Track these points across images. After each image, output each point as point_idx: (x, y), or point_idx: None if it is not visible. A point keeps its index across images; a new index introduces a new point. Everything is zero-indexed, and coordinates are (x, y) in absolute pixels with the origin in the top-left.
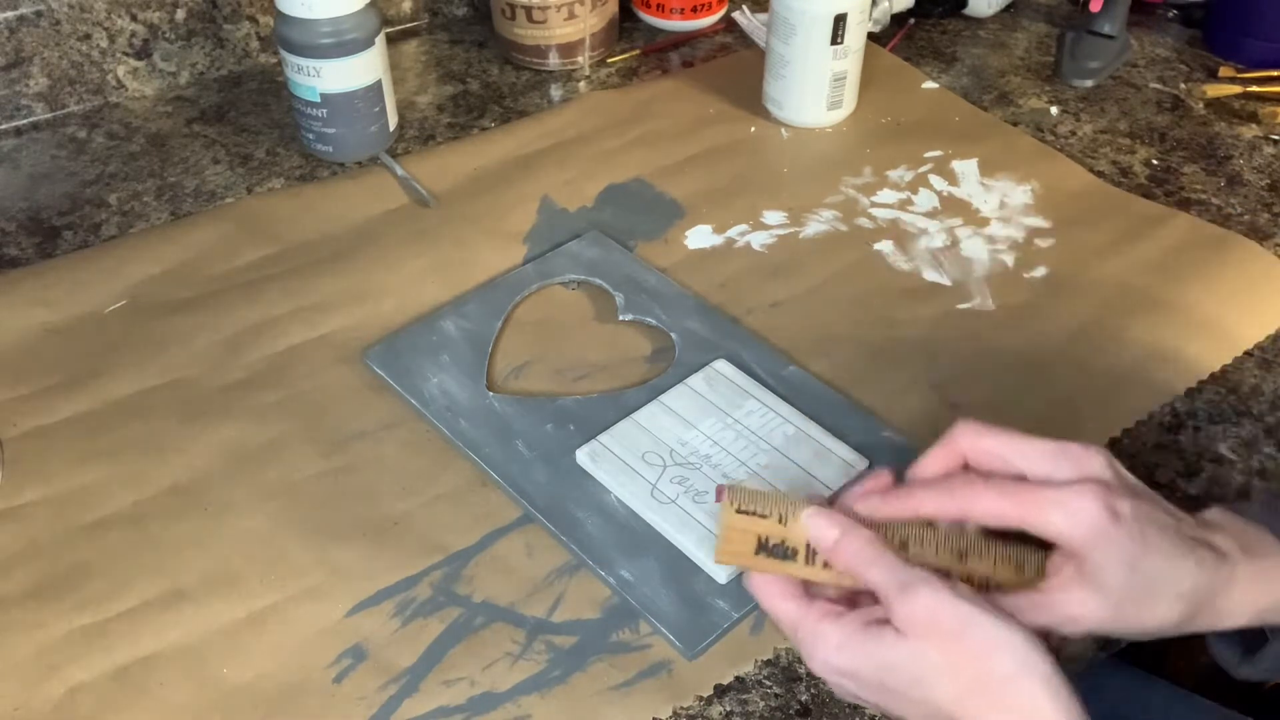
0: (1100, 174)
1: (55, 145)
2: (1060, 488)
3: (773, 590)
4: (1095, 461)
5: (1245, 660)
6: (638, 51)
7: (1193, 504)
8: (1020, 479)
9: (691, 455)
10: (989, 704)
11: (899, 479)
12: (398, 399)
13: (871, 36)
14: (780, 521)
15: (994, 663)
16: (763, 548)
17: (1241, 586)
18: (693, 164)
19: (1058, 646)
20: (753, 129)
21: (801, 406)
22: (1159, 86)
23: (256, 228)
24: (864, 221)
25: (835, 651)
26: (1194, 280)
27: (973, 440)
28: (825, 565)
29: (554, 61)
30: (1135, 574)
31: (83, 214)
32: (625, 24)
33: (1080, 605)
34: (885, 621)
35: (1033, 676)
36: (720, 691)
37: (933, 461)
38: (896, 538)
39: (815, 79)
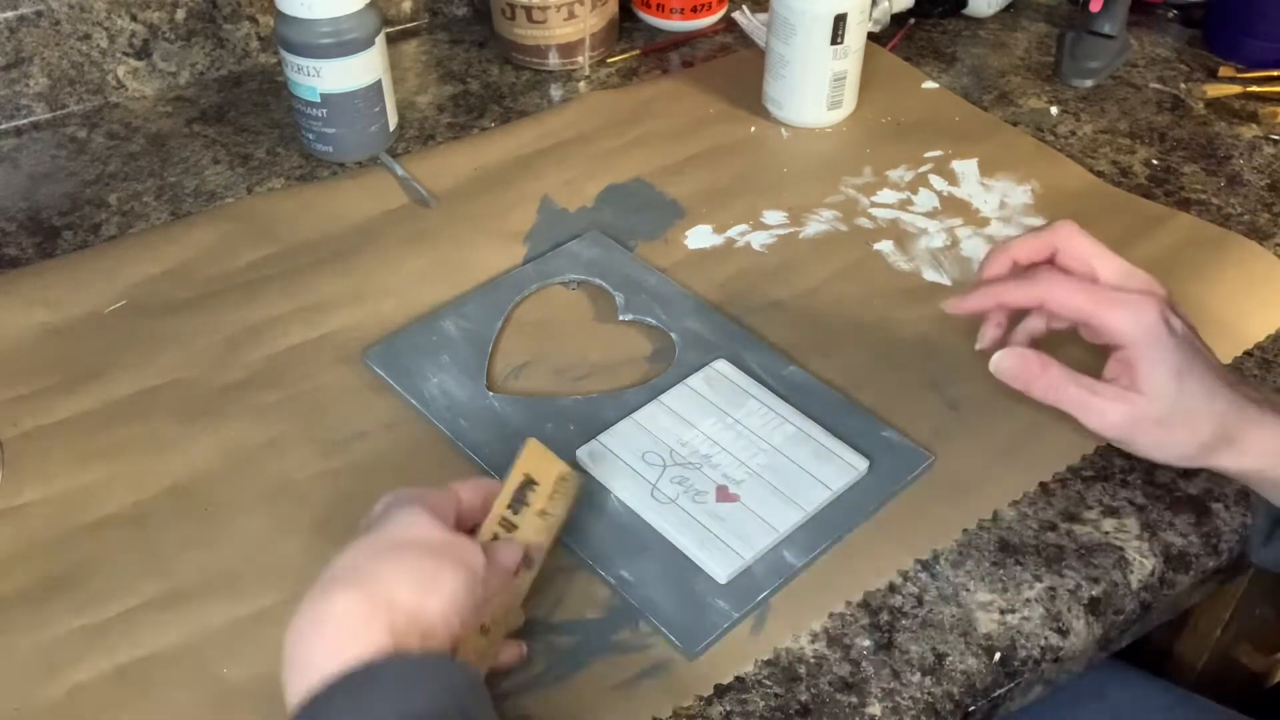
0: (1100, 174)
1: (55, 145)
2: (1128, 293)
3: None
4: (1160, 288)
5: (1266, 543)
6: (638, 51)
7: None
8: (1094, 281)
9: (691, 455)
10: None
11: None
12: (398, 399)
13: (871, 36)
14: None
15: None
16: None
17: (1268, 431)
18: (693, 164)
19: None
20: (753, 129)
21: (801, 406)
22: (1159, 86)
23: (256, 228)
24: (864, 221)
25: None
26: (1194, 280)
27: (1068, 239)
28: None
29: (554, 61)
30: (1180, 382)
31: (83, 214)
32: (625, 24)
33: (1133, 404)
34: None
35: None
36: (720, 691)
37: (1026, 245)
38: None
39: (815, 79)
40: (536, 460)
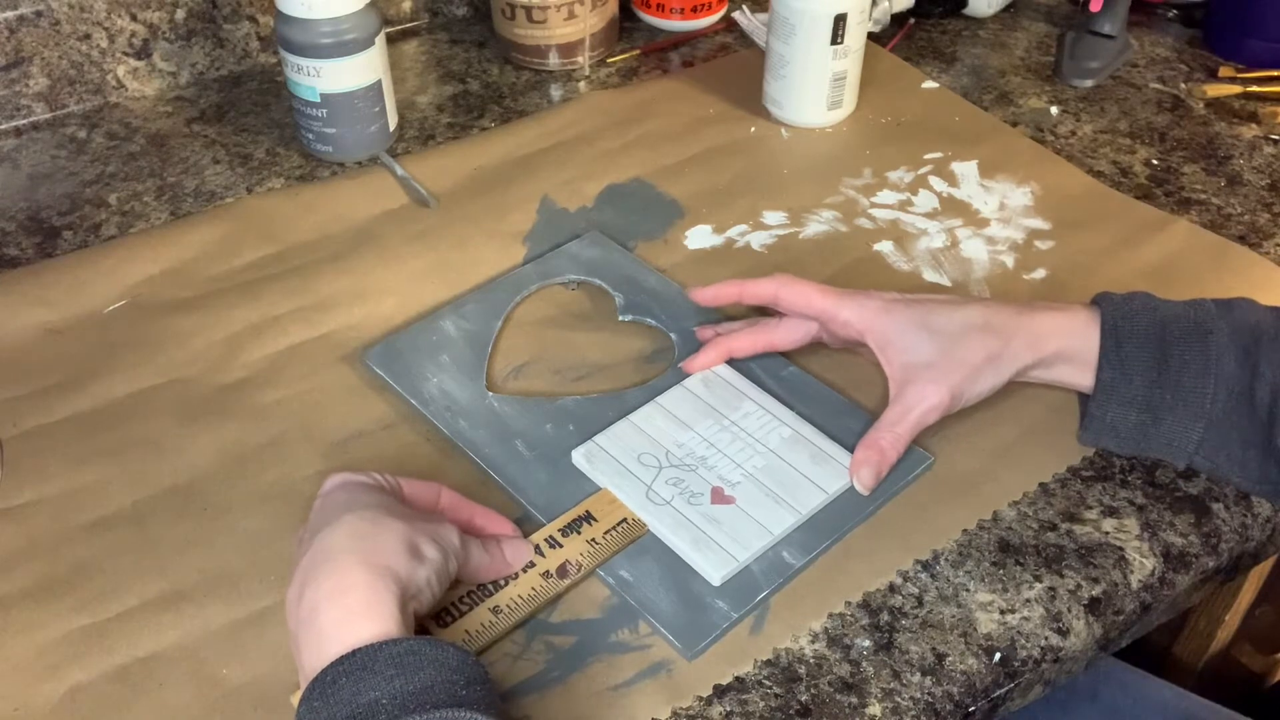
0: (1100, 174)
1: (55, 145)
2: (853, 292)
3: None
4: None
5: (1083, 425)
6: (638, 51)
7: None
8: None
9: (687, 457)
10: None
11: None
12: (398, 399)
13: (871, 36)
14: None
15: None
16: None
17: (1041, 316)
18: (693, 164)
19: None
20: (753, 129)
21: (800, 406)
22: (1159, 86)
23: (256, 228)
24: (864, 222)
25: None
26: (1193, 287)
27: (788, 284)
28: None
29: (554, 61)
30: (928, 329)
31: (83, 214)
32: (625, 24)
33: (925, 376)
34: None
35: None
36: (720, 692)
37: (751, 284)
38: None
39: (815, 79)
40: (605, 504)
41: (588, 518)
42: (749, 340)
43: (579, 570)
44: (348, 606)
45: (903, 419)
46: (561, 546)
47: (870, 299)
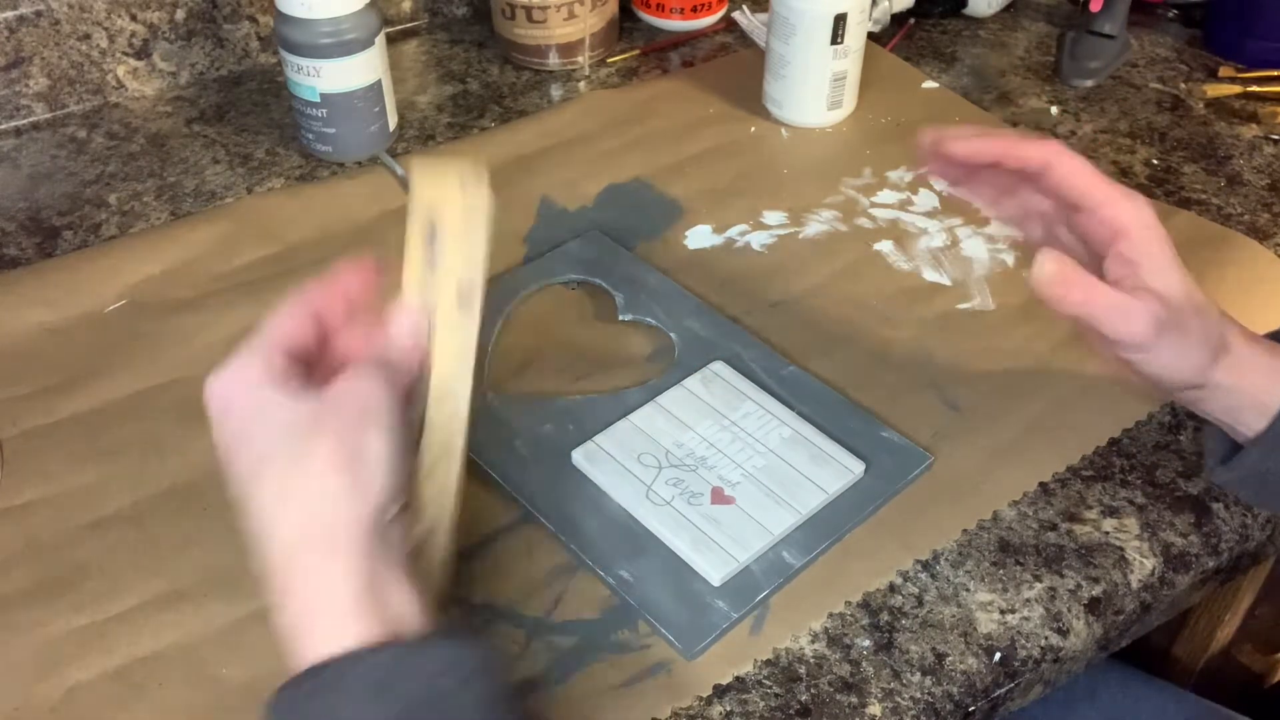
0: None
1: (55, 145)
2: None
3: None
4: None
5: (1226, 463)
6: (638, 51)
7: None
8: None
9: (687, 457)
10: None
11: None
12: None
13: (871, 36)
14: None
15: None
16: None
17: (1255, 348)
18: (693, 164)
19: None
20: (753, 129)
21: (801, 406)
22: (1159, 86)
23: (256, 228)
24: (864, 221)
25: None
26: (1195, 279)
27: (1063, 157)
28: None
29: (554, 61)
30: (1185, 274)
31: (83, 214)
32: (625, 24)
33: (1151, 301)
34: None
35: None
36: (720, 692)
37: (1010, 151)
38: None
39: (815, 79)
40: (430, 190)
41: (432, 235)
42: (1033, 149)
43: (475, 290)
44: (308, 609)
45: (1120, 296)
46: (436, 272)
47: (1145, 204)
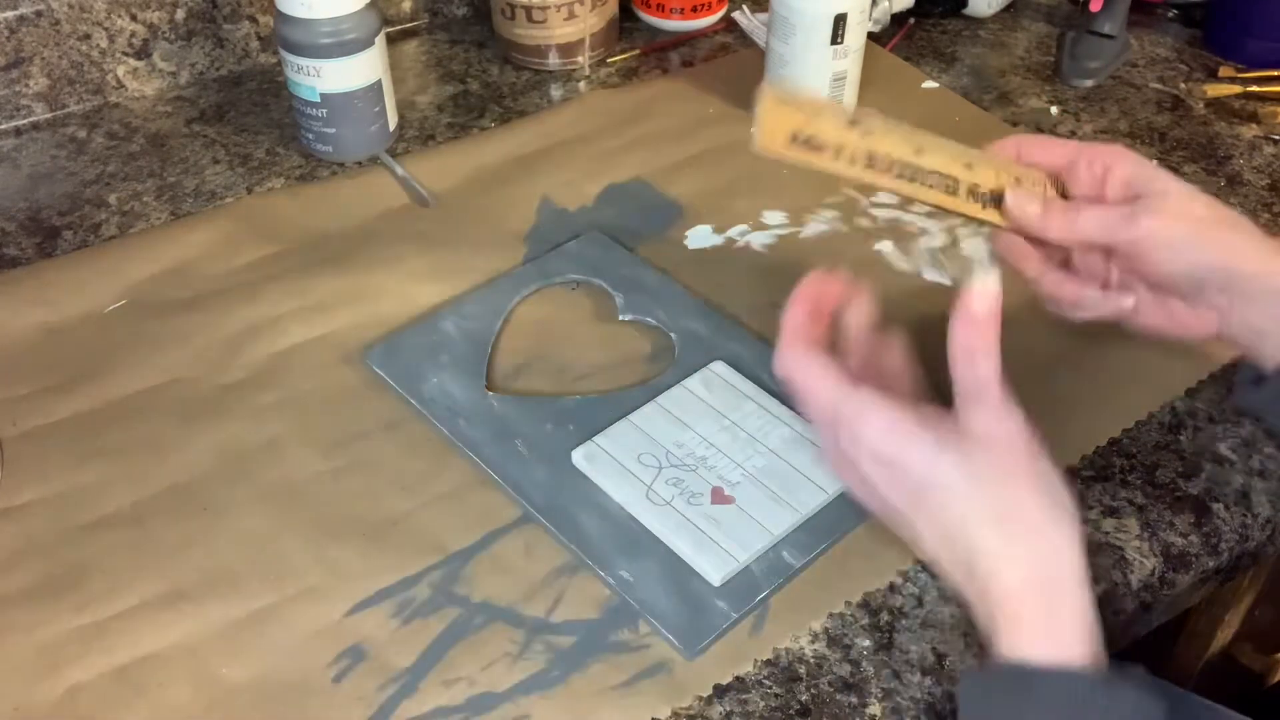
0: None
1: (55, 145)
2: None
3: (813, 370)
4: None
5: (1255, 386)
6: (638, 51)
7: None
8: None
9: (687, 457)
10: (1020, 533)
11: None
12: (398, 399)
13: (871, 36)
14: (814, 115)
15: (1033, 498)
16: (795, 140)
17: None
18: (693, 164)
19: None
20: (753, 129)
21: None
22: (1159, 86)
23: (256, 228)
24: (864, 221)
25: (883, 434)
26: None
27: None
28: (855, 162)
29: (554, 61)
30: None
31: (83, 214)
32: (625, 24)
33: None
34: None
35: (1066, 517)
36: (720, 692)
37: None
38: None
39: (815, 79)
40: (782, 117)
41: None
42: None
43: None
44: (1030, 615)
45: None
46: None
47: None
